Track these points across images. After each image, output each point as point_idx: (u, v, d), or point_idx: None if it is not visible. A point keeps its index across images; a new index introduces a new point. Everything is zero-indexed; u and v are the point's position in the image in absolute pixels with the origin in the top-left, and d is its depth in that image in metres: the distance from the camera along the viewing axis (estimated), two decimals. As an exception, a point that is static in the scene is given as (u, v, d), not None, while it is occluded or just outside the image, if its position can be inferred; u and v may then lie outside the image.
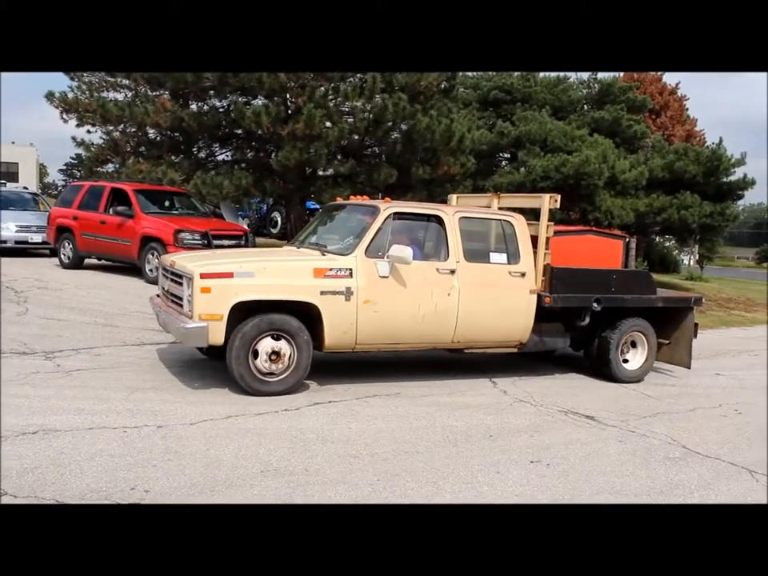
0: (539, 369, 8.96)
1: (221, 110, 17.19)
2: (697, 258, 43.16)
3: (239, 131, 17.68)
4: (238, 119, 15.57)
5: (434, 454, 5.40)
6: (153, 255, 12.95)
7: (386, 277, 7.19)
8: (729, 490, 5.21)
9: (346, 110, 16.59)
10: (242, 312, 6.66)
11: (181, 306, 6.88)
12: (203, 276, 6.56)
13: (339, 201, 9.09)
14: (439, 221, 7.69)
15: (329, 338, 7.02)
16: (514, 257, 8.00)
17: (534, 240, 8.17)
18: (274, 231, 27.77)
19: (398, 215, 7.49)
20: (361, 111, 15.78)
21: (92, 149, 17.80)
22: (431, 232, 7.80)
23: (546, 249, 8.22)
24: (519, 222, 8.12)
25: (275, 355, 6.76)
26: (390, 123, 16.02)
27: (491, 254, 8.00)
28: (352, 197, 9.18)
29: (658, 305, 9.03)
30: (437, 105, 16.50)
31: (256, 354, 6.69)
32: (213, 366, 7.57)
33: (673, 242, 36.00)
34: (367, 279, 7.11)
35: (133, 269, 13.70)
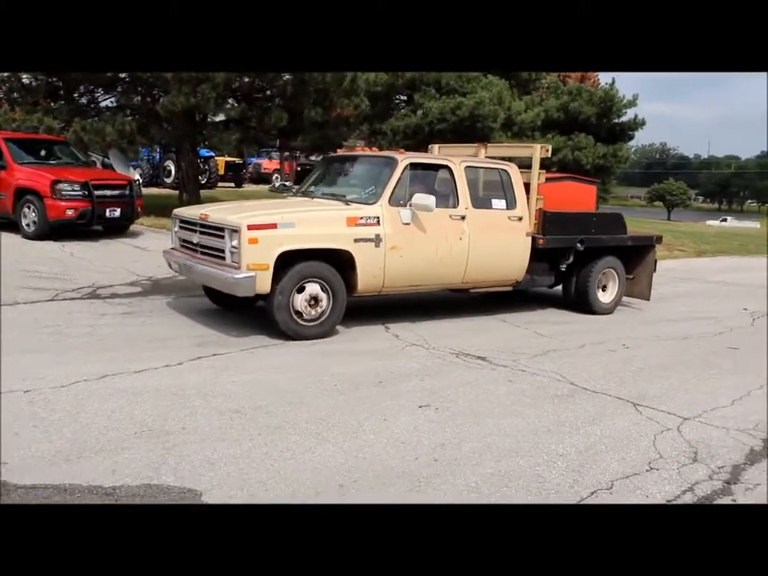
0: (435, 312, 8.88)
1: (102, 51, 16.17)
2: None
3: (123, 75, 16.75)
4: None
5: (319, 404, 5.23)
6: (29, 209, 12.17)
7: (408, 224, 7.69)
8: (614, 423, 5.25)
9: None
10: (282, 261, 6.95)
11: (220, 257, 7.07)
12: (250, 227, 6.79)
13: (340, 152, 9.65)
14: (448, 170, 8.25)
15: (361, 283, 7.47)
16: (511, 203, 8.71)
17: (526, 187, 8.87)
18: (168, 181, 26.85)
19: (414, 165, 7.97)
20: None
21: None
22: (442, 181, 8.31)
23: (538, 195, 8.98)
24: (514, 171, 8.81)
25: (314, 301, 7.16)
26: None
27: (493, 200, 8.67)
28: (357, 148, 9.81)
29: (628, 243, 10.07)
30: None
31: (296, 300, 7.08)
32: (80, 323, 7.17)
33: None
34: (392, 226, 7.59)
35: (9, 223, 12.83)
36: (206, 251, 7.36)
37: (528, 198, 8.87)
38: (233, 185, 31.86)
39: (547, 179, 9.33)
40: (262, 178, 36.61)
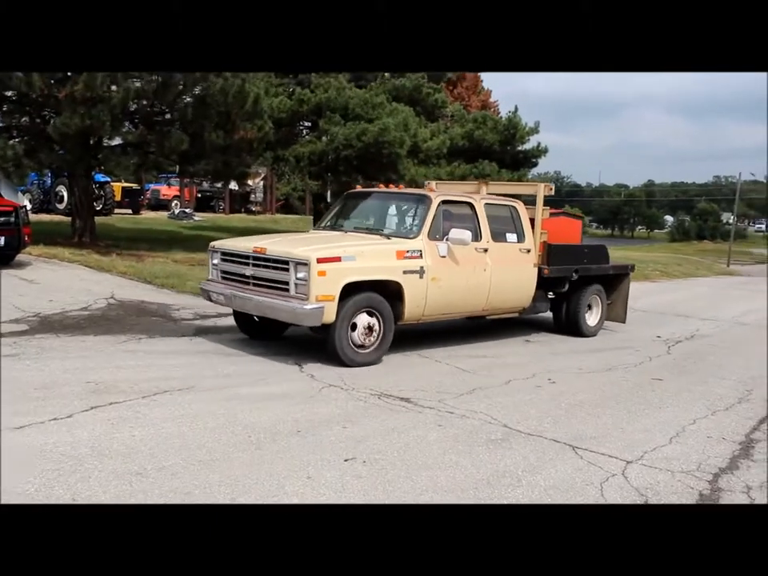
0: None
1: (-15, 70, 15.10)
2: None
3: (9, 93, 15.61)
4: (5, 80, 13.69)
5: (233, 461, 4.62)
6: None
7: (445, 256, 8.29)
8: (556, 471, 4.86)
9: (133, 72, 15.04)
10: (343, 293, 7.37)
11: (282, 289, 7.42)
12: (320, 261, 7.19)
13: (360, 188, 10.45)
14: (471, 206, 8.97)
15: (408, 312, 8.01)
16: (521, 236, 9.51)
17: (530, 222, 9.70)
18: (60, 207, 25.44)
19: (444, 202, 8.63)
20: (148, 72, 14.31)
21: None
22: (467, 216, 8.88)
23: (542, 229, 9.83)
24: (521, 207, 9.66)
25: (368, 329, 7.63)
26: (181, 86, 14.73)
27: (507, 234, 9.39)
28: (380, 185, 10.19)
29: (610, 272, 11.18)
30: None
31: (353, 329, 7.53)
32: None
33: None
34: (432, 259, 8.18)
35: None
36: (263, 283, 7.66)
37: (534, 232, 9.67)
38: (130, 211, 30.56)
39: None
40: (161, 205, 35.37)
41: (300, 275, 7.24)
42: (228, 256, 8.25)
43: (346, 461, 4.75)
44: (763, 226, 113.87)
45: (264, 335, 8.59)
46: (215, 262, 8.46)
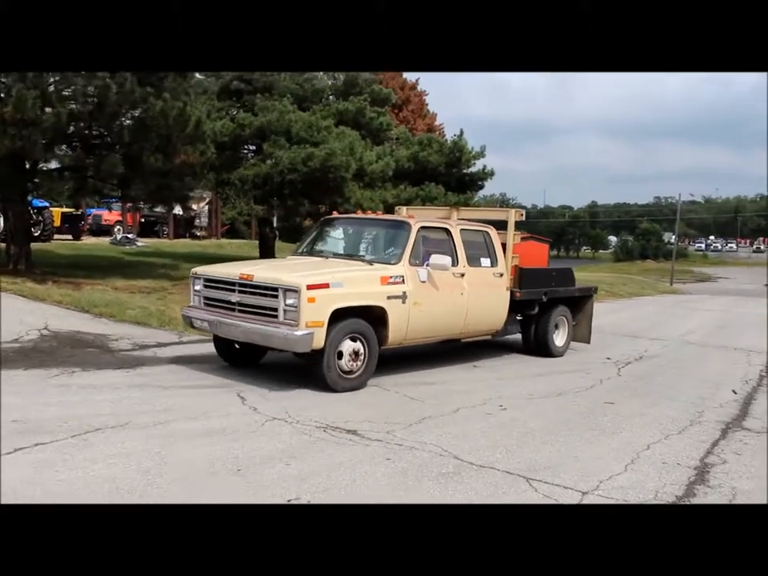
0: (292, 378, 8.08)
1: None
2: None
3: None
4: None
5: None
6: None
7: (425, 281, 8.46)
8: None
9: (68, 93, 14.57)
10: (331, 319, 7.44)
11: (270, 316, 7.47)
12: (309, 287, 7.28)
13: (336, 215, 10.93)
14: (447, 232, 9.23)
15: (391, 336, 8.15)
16: (494, 261, 9.77)
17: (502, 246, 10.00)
18: (-5, 233, 24.61)
19: (423, 228, 8.88)
20: (83, 94, 13.85)
21: None
22: (444, 242, 9.13)
23: (514, 254, 10.16)
24: (493, 232, 9.93)
25: (355, 355, 7.70)
26: (118, 107, 14.28)
27: (481, 258, 9.60)
28: (358, 212, 10.90)
29: (576, 294, 11.47)
30: (171, 87, 14.95)
31: (339, 356, 7.58)
32: None
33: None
34: (413, 284, 8.35)
35: None
36: (250, 309, 7.67)
37: (505, 256, 9.97)
38: (70, 237, 29.73)
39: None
40: (103, 231, 34.50)
41: (289, 302, 7.32)
42: (212, 282, 8.26)
43: (289, 501, 4.46)
44: (702, 245, 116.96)
45: (243, 362, 8.68)
46: (197, 288, 8.46)
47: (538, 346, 10.79)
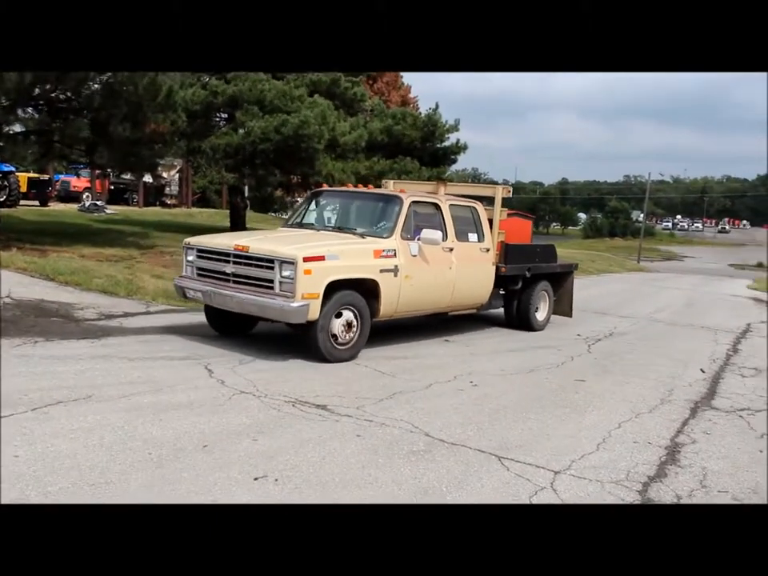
0: (265, 350, 7.96)
1: None
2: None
3: None
4: None
5: (130, 483, 4.16)
6: None
7: (416, 255, 8.59)
8: (482, 486, 4.58)
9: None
10: (326, 290, 7.55)
11: (266, 287, 7.55)
12: (306, 259, 7.36)
13: (326, 187, 11.23)
14: (437, 207, 9.35)
15: (383, 309, 8.29)
16: (481, 236, 9.94)
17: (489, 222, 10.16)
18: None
19: (414, 203, 8.98)
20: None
21: None
22: (434, 216, 9.24)
23: (500, 230, 10.31)
24: (480, 208, 10.09)
25: (348, 326, 7.83)
26: (86, 72, 13.86)
27: (468, 234, 9.74)
28: (349, 185, 10.92)
29: (558, 270, 11.81)
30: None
31: (333, 327, 7.70)
32: None
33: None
34: (405, 258, 8.47)
35: None
36: (245, 281, 7.74)
37: (492, 232, 10.12)
38: (37, 203, 29.11)
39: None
40: (71, 197, 33.81)
41: (285, 273, 7.40)
42: (206, 253, 8.29)
43: (255, 479, 4.36)
44: (670, 224, 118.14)
45: (234, 331, 8.73)
46: (190, 258, 8.50)
47: (521, 320, 11.01)
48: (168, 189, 42.14)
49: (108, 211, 28.47)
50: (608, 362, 9.03)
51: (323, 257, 7.56)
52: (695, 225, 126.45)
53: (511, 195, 10.64)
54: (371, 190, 10.06)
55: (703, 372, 8.88)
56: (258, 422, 5.45)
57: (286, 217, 13.57)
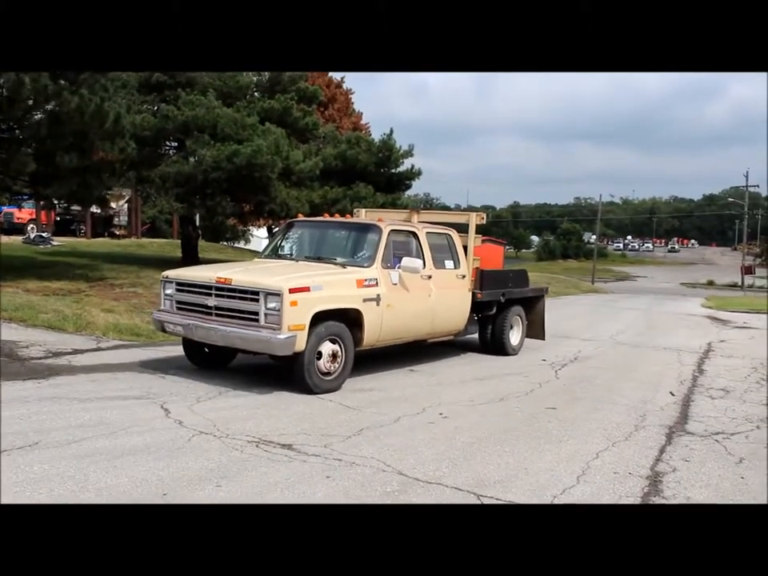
0: (227, 385, 7.58)
1: None
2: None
3: None
4: None
5: (81, 541, 3.79)
6: None
7: (396, 284, 8.61)
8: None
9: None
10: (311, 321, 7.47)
11: (251, 320, 7.44)
12: (291, 291, 7.29)
13: (301, 217, 11.03)
14: (414, 235, 9.35)
15: (367, 338, 8.24)
16: (456, 263, 9.97)
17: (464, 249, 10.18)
18: None
19: (393, 231, 9.00)
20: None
21: None
22: (412, 245, 9.27)
23: (475, 256, 10.36)
24: (455, 235, 10.13)
25: (333, 357, 7.75)
26: (31, 102, 13.42)
27: (445, 261, 9.78)
28: (326, 214, 10.85)
29: (529, 295, 11.88)
30: (88, 82, 14.10)
31: (318, 357, 7.60)
32: None
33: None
34: (386, 287, 8.48)
35: None
36: (228, 314, 7.62)
37: (467, 259, 10.15)
38: (-22, 237, 28.20)
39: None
40: (15, 229, 32.94)
41: (271, 305, 7.31)
42: (186, 287, 8.18)
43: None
44: (621, 245, 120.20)
45: (215, 365, 8.59)
46: (169, 292, 8.37)
47: (495, 345, 11.03)
48: (117, 219, 41.25)
49: (54, 243, 27.69)
50: (577, 389, 8.84)
51: (308, 288, 7.50)
52: (646, 245, 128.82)
53: (485, 222, 10.69)
54: (348, 219, 10.12)
55: (673, 395, 8.75)
56: (221, 466, 5.09)
57: (240, 246, 13.35)
